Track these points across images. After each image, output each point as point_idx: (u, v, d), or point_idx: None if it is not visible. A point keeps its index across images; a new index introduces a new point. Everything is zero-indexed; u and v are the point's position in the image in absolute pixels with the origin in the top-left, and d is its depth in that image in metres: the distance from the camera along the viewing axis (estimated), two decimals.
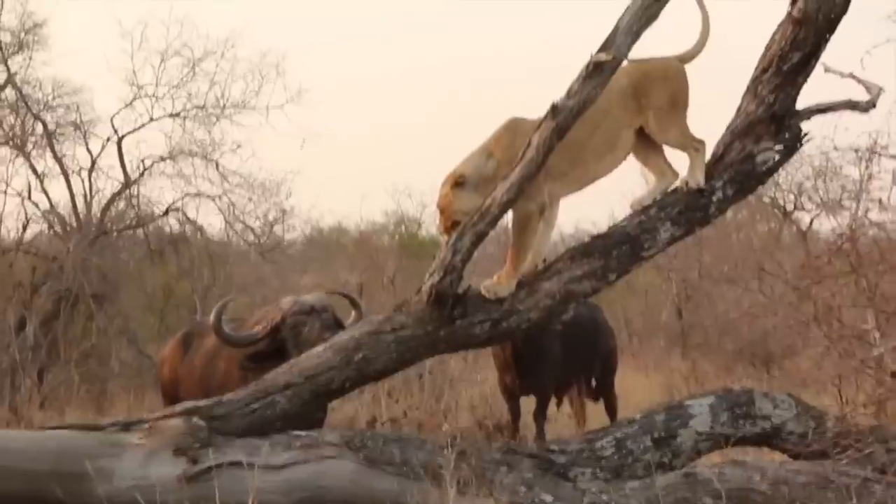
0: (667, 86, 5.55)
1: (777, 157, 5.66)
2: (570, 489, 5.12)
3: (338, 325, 6.24)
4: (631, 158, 5.73)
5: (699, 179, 5.55)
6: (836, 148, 6.11)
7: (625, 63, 5.23)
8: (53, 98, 14.19)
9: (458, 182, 5.34)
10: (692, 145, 5.57)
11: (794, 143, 5.68)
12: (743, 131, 5.68)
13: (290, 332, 6.28)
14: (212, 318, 6.46)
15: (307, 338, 6.07)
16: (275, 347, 6.27)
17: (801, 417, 5.56)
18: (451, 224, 5.37)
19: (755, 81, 5.71)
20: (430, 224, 21.18)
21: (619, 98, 5.47)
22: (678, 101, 5.58)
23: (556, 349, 8.53)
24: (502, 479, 5.08)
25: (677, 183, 5.65)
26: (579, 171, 5.54)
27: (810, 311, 5.68)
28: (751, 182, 5.70)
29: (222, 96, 14.39)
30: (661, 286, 16.25)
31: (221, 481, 4.96)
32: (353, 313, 6.48)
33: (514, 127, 5.44)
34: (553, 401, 9.14)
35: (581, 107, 5.09)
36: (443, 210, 5.39)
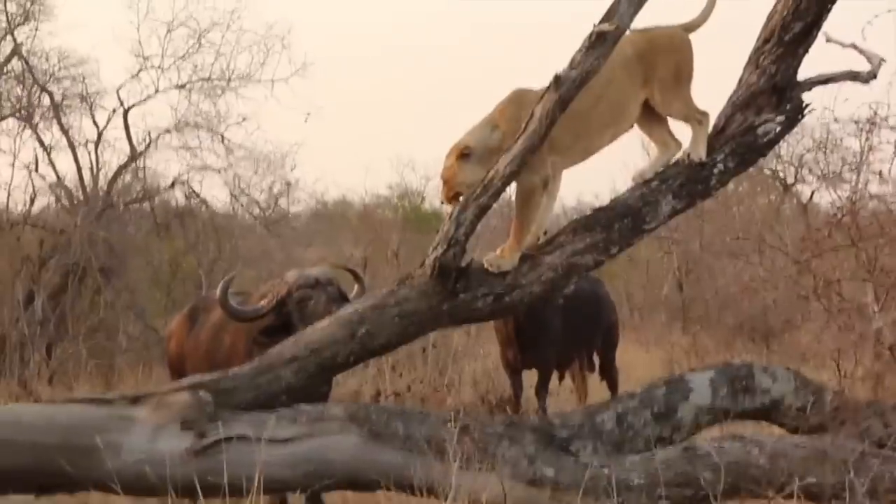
0: (672, 56, 5.50)
1: (778, 129, 5.63)
2: (571, 463, 5.14)
3: (343, 299, 6.23)
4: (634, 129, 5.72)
5: (701, 153, 5.54)
6: (836, 120, 6.08)
7: (629, 32, 5.21)
8: (59, 69, 14.15)
9: (463, 153, 5.33)
10: (695, 117, 5.54)
11: (795, 114, 5.65)
12: (744, 103, 5.66)
13: (296, 306, 6.27)
14: (217, 292, 6.46)
15: (313, 311, 6.06)
16: (281, 321, 6.27)
17: (800, 391, 5.56)
18: (454, 195, 5.38)
19: (757, 52, 5.69)
20: (434, 197, 21.17)
21: (623, 68, 5.41)
22: (683, 72, 5.53)
23: (558, 323, 8.54)
24: (504, 453, 5.09)
25: (679, 155, 5.64)
26: (583, 143, 5.50)
27: (810, 284, 5.68)
28: (752, 154, 5.68)
29: (228, 68, 14.37)
30: (663, 260, 16.24)
31: (228, 455, 4.98)
32: (356, 288, 6.48)
33: (519, 98, 5.40)
34: (555, 375, 9.16)
35: (584, 77, 5.06)
36: (447, 181, 5.37)
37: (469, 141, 5.36)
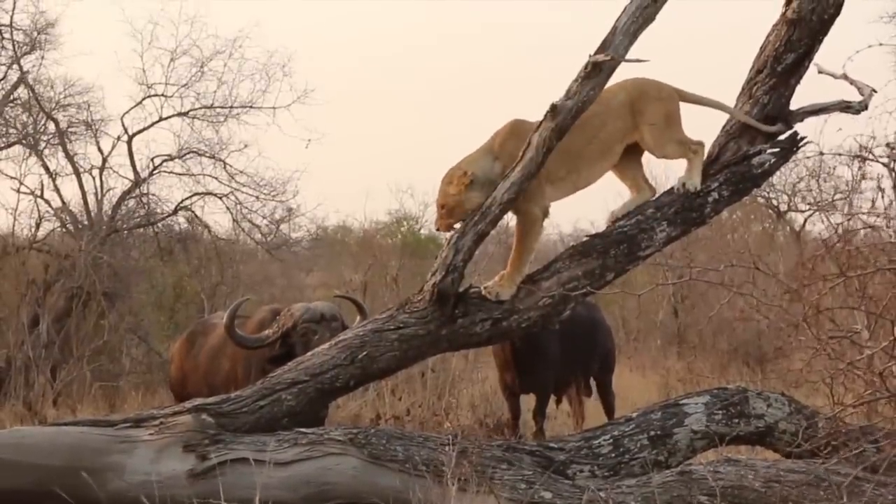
0: (661, 104, 5.56)
1: (773, 160, 5.66)
2: (568, 486, 5.12)
3: None
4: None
5: (696, 182, 5.55)
6: (822, 153, 6.10)
7: (623, 80, 5.26)
8: (65, 97, 14.13)
9: (470, 182, 5.33)
10: (690, 149, 5.57)
11: (790, 145, 5.68)
12: (738, 132, 5.69)
13: (300, 339, 6.32)
14: (225, 318, 6.49)
15: (315, 347, 6.07)
16: (285, 351, 6.29)
17: (794, 417, 5.55)
18: (453, 223, 5.38)
19: (750, 83, 5.73)
20: (431, 223, 21.14)
21: (616, 112, 5.50)
22: (672, 117, 5.58)
23: (555, 348, 8.52)
24: (502, 476, 5.08)
25: (674, 184, 5.66)
26: (574, 177, 5.55)
27: (801, 312, 5.67)
28: (746, 184, 5.69)
29: (230, 95, 14.37)
30: (658, 287, 16.23)
31: (229, 477, 4.98)
32: (358, 318, 6.47)
33: (518, 130, 5.43)
34: (552, 399, 9.14)
35: (580, 107, 5.11)
36: (450, 209, 5.36)
37: (475, 169, 5.37)
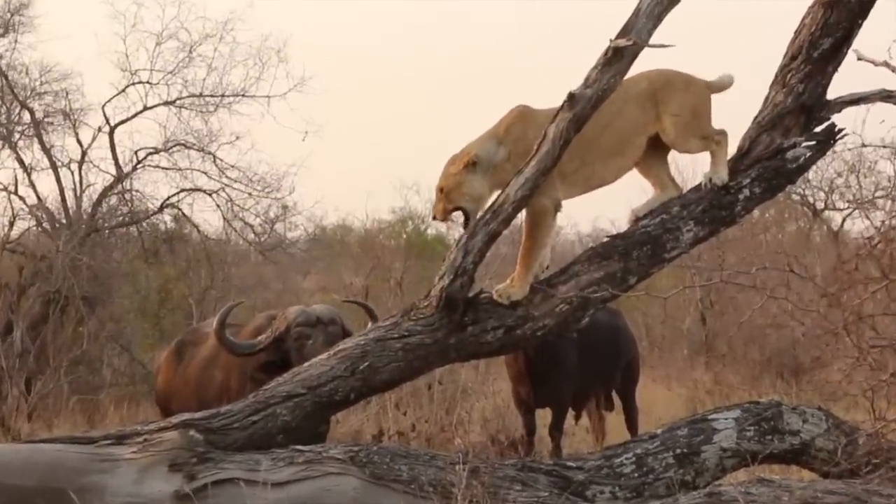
0: (688, 97, 5.55)
1: (809, 154, 5.66)
2: None
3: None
4: None
5: (722, 175, 5.54)
6: (863, 146, 6.10)
7: (648, 70, 5.25)
8: (41, 84, 14.12)
9: (472, 163, 5.34)
10: (714, 140, 5.56)
11: (826, 137, 5.68)
12: (771, 123, 5.68)
13: (294, 345, 6.32)
14: (214, 323, 6.49)
15: (310, 351, 6.09)
16: (279, 358, 6.29)
17: (832, 433, 5.54)
18: (451, 209, 5.38)
19: (783, 70, 5.72)
20: (440, 223, 21.14)
21: (636, 101, 5.50)
22: (700, 112, 5.57)
23: (574, 358, 8.50)
24: (516, 498, 5.08)
25: (701, 179, 5.65)
26: (586, 172, 5.54)
27: (840, 318, 5.66)
28: (780, 180, 5.69)
29: (220, 83, 14.37)
30: (685, 291, 16.24)
31: (220, 499, 4.98)
32: (370, 324, 6.42)
33: (525, 117, 5.45)
34: (570, 414, 9.13)
35: (600, 96, 5.11)
36: (448, 192, 5.38)
37: (478, 150, 5.38)
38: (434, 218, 5.51)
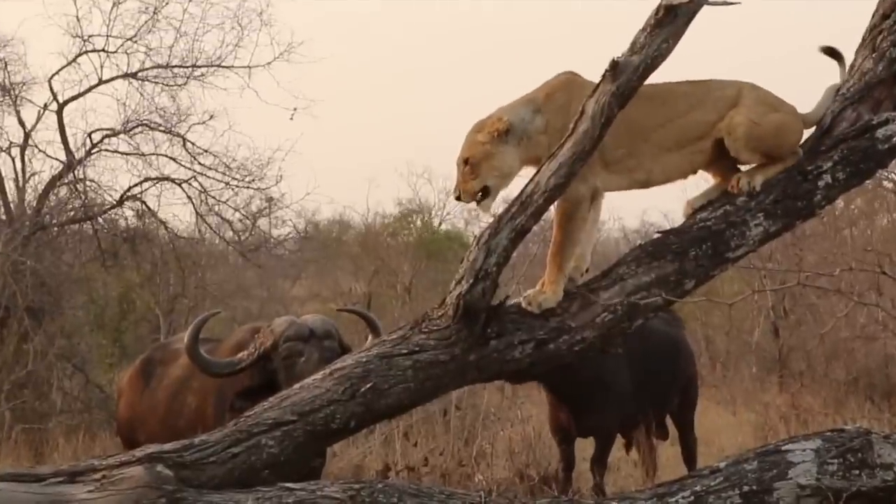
0: (776, 116, 5.51)
1: None
2: None
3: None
4: None
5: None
6: None
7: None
8: None
9: (505, 130, 5.29)
10: (781, 161, 5.54)
11: None
12: (857, 96, 5.68)
13: (282, 363, 6.33)
14: (186, 338, 6.50)
15: (302, 371, 6.08)
16: (264, 380, 6.31)
17: None
18: (477, 190, 5.34)
19: (872, 31, 5.72)
20: (454, 216, 21.17)
21: (715, 103, 5.47)
22: (784, 134, 5.54)
23: (623, 377, 8.49)
24: None
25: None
26: (631, 164, 5.51)
27: None
28: (868, 163, 5.67)
29: (191, 52, 14.43)
30: (754, 297, 16.25)
31: None
32: (370, 338, 6.44)
33: (571, 86, 5.43)
34: (616, 443, 9.13)
35: (649, 64, 5.07)
36: (477, 163, 5.30)
37: (510, 116, 5.33)
38: (458, 199, 5.44)
